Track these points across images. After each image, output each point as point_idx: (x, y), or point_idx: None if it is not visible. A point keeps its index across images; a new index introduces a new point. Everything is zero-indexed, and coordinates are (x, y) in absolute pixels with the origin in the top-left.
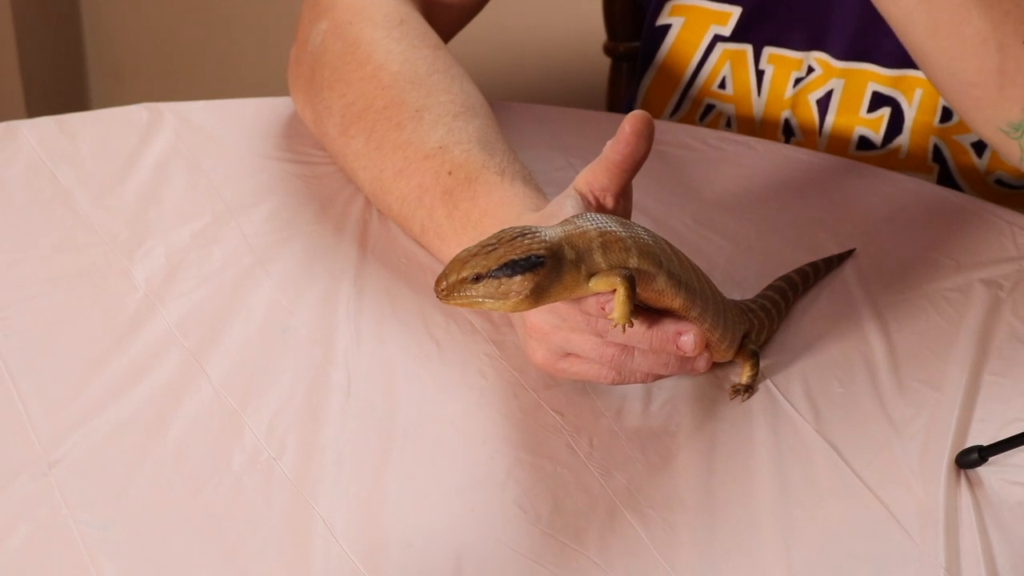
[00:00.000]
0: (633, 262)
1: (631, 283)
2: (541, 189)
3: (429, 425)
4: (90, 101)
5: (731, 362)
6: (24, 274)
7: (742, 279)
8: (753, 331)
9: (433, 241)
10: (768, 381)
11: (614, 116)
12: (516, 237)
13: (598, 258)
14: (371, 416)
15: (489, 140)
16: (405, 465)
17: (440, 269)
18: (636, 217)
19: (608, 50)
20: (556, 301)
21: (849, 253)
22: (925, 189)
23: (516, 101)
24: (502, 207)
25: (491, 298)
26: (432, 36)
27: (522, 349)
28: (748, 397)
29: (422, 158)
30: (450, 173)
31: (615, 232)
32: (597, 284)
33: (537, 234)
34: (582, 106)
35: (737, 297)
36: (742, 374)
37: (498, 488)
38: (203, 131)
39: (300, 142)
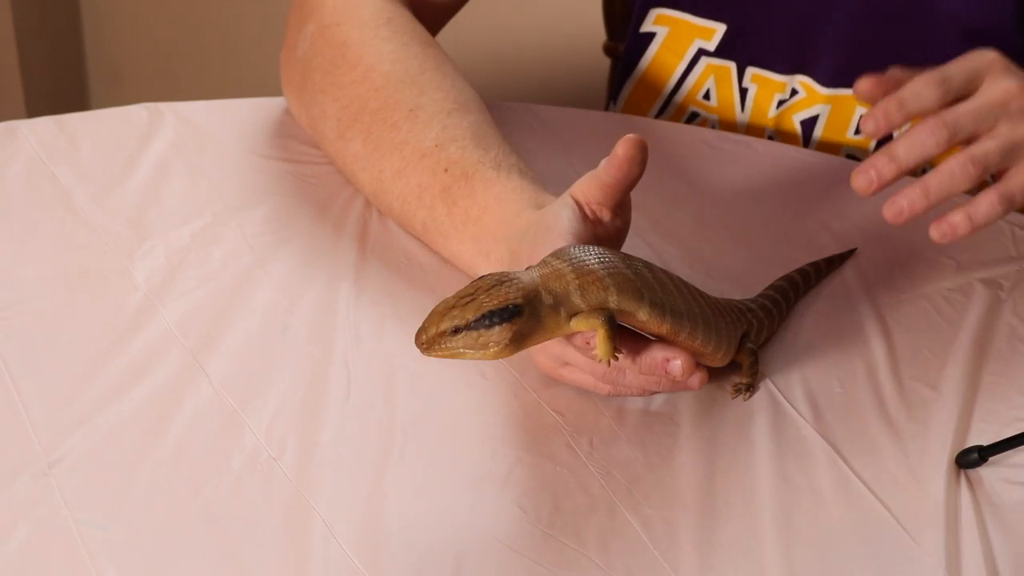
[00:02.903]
0: (613, 300)
1: (611, 323)
2: (539, 181)
3: (429, 425)
4: (90, 101)
5: (732, 362)
6: (24, 274)
7: (742, 279)
8: (753, 330)
9: (436, 239)
10: (768, 381)
11: (614, 116)
12: (493, 286)
13: (576, 300)
14: (371, 416)
15: (484, 135)
16: (405, 465)
17: (443, 267)
18: (636, 217)
19: (608, 50)
20: (538, 343)
21: (850, 253)
22: None
23: (516, 101)
24: (500, 202)
25: (471, 348)
26: (421, 33)
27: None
28: (750, 396)
29: (419, 157)
30: (446, 170)
31: (593, 271)
32: (578, 324)
33: (514, 282)
34: (582, 106)
35: (737, 297)
36: (743, 373)
37: (498, 488)
38: (203, 131)
39: (300, 142)
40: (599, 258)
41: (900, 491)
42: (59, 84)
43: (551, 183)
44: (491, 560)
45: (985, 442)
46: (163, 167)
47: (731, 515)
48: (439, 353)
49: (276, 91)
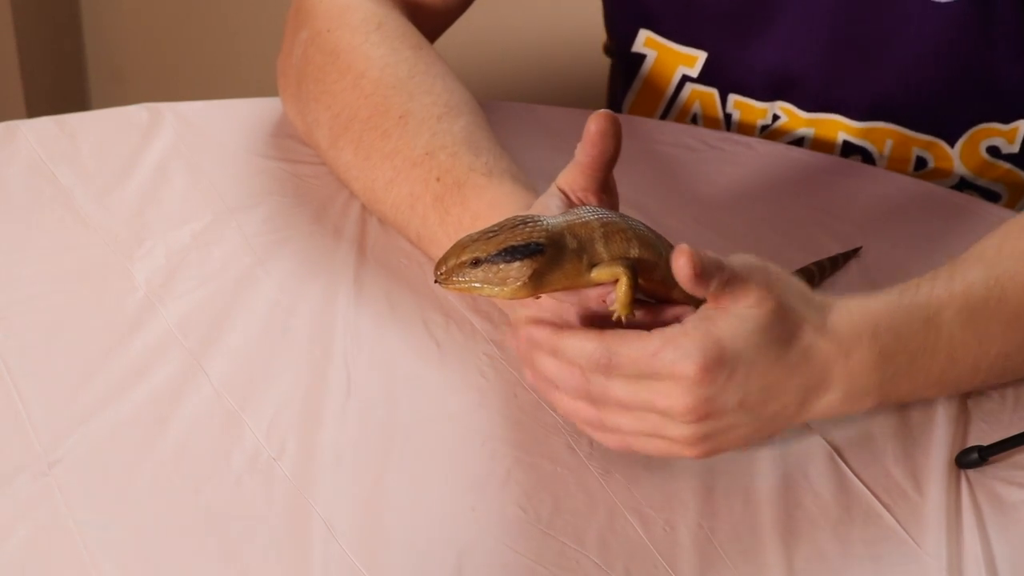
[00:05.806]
0: (635, 252)
1: (634, 273)
2: (531, 185)
3: (429, 425)
4: (90, 101)
5: None
6: (24, 274)
7: None
8: None
9: (430, 248)
10: None
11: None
12: (518, 225)
13: (600, 248)
14: (371, 416)
15: (474, 140)
16: (405, 465)
17: None
18: (634, 215)
19: (608, 50)
20: (556, 290)
21: (855, 252)
22: (925, 189)
23: (516, 101)
24: (492, 208)
25: (489, 283)
26: (412, 36)
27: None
28: None
29: (410, 166)
30: (438, 179)
31: (617, 223)
32: (600, 274)
33: (539, 223)
34: (582, 106)
35: None
36: None
37: (498, 488)
38: (203, 131)
39: (300, 142)
40: (621, 217)
41: (900, 491)
42: (59, 84)
43: (550, 183)
44: (491, 560)
45: (985, 442)
46: (163, 167)
47: (731, 515)
48: (456, 286)
49: (276, 91)
